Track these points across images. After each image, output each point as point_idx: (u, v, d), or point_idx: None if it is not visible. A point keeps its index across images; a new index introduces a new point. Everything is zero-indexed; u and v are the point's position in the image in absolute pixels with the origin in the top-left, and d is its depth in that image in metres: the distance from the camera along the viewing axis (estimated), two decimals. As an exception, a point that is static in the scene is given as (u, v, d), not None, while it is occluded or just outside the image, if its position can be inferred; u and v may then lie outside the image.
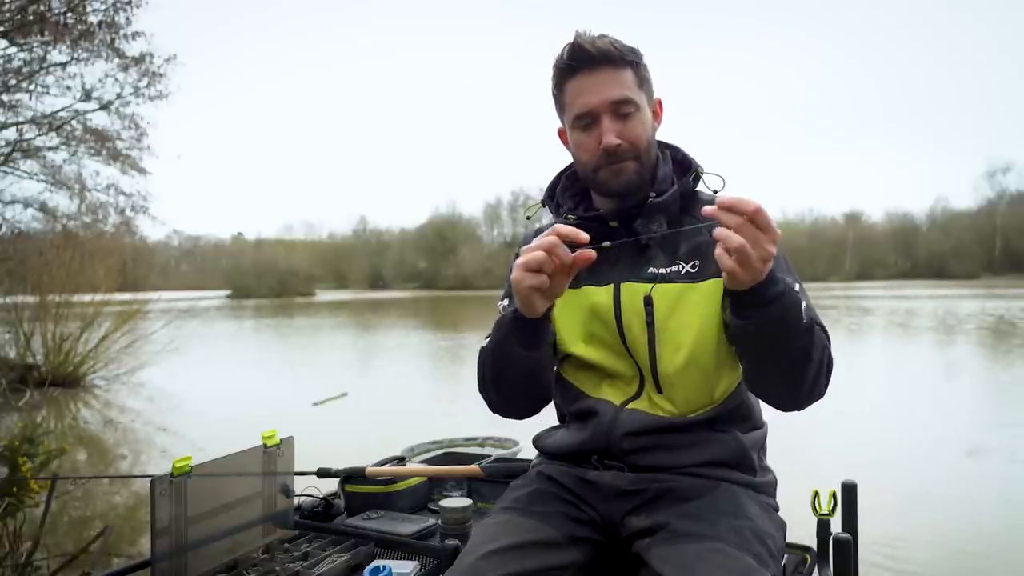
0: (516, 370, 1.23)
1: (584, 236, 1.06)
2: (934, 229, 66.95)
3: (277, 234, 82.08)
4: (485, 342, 1.33)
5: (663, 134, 1.34)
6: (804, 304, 1.08)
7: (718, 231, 0.99)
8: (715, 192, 1.31)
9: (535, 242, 1.08)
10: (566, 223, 1.31)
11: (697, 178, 1.31)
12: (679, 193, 1.28)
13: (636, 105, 1.24)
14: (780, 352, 1.09)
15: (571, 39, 1.24)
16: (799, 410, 1.19)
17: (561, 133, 1.36)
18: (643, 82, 1.27)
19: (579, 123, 1.25)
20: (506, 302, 1.38)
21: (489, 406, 1.35)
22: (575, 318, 1.31)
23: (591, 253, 1.06)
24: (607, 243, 1.16)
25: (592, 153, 1.25)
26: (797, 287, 1.21)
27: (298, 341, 19.21)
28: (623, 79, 1.23)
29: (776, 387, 1.16)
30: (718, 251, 0.99)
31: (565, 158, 1.43)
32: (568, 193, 1.39)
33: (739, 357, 1.18)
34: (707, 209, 1.01)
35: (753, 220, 0.97)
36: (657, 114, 1.31)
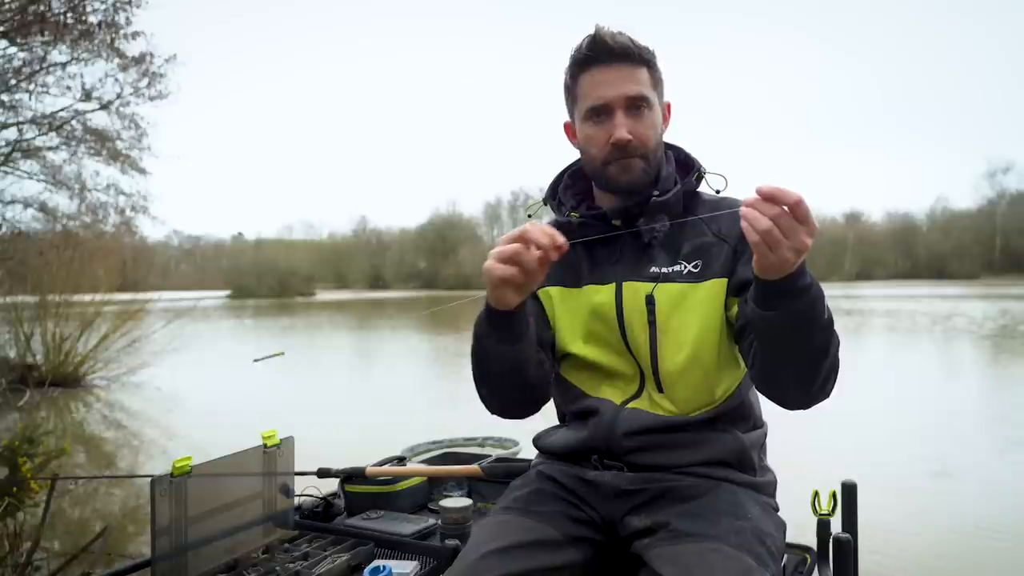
0: (498, 365, 1.21)
1: (561, 239, 1.06)
2: (934, 229, 66.98)
3: (277, 234, 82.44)
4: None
5: (667, 133, 1.34)
6: (826, 302, 1.06)
7: (744, 211, 0.97)
8: (717, 192, 1.32)
9: (509, 234, 1.08)
10: (569, 221, 1.31)
11: (700, 178, 1.31)
12: (682, 192, 1.29)
13: (649, 103, 1.24)
14: (801, 346, 1.06)
15: (591, 31, 1.24)
16: (806, 408, 1.16)
17: (567, 127, 1.35)
18: (657, 83, 1.27)
19: (592, 115, 1.25)
20: None
21: (484, 405, 1.34)
22: (576, 317, 1.31)
23: (564, 244, 1.06)
24: (645, 229, 1.22)
25: (602, 147, 1.25)
26: None
27: (298, 341, 19.19)
28: (639, 76, 1.24)
29: (789, 383, 1.13)
30: (744, 225, 0.97)
31: (565, 158, 1.42)
32: (571, 192, 1.39)
33: (756, 350, 1.15)
34: (747, 199, 0.98)
35: (792, 211, 0.95)
36: (666, 117, 1.31)
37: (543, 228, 1.06)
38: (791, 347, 1.07)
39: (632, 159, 1.24)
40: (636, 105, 1.23)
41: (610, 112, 1.23)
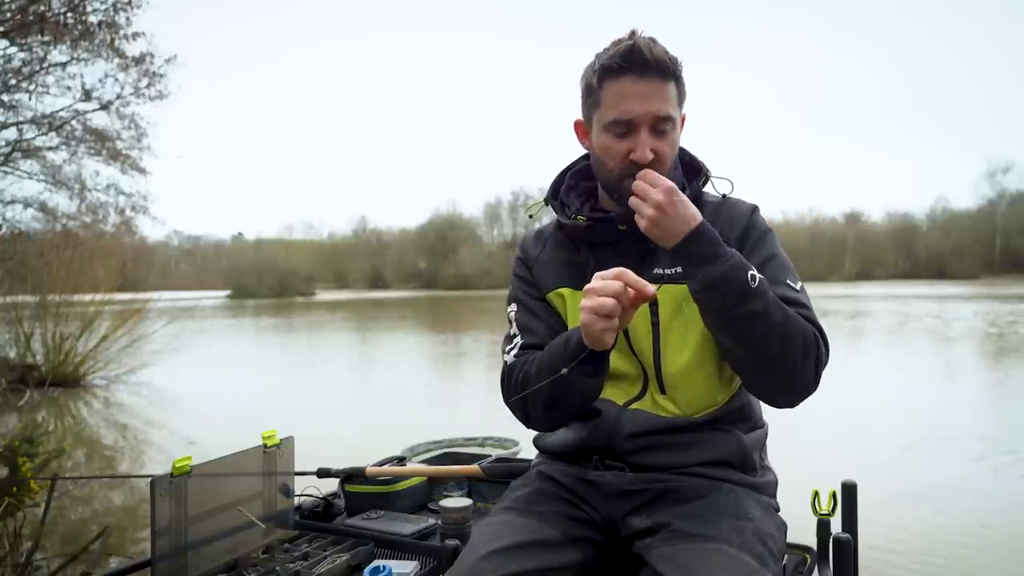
0: (578, 396, 1.20)
1: (651, 290, 1.04)
2: (934, 229, 66.87)
3: (277, 234, 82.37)
4: (510, 356, 1.31)
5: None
6: (751, 272, 1.11)
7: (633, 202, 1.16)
8: (724, 196, 1.31)
9: (601, 286, 1.05)
10: (575, 224, 1.31)
11: (706, 181, 1.31)
12: (690, 197, 1.28)
13: (673, 123, 1.23)
14: (740, 320, 1.11)
15: (627, 38, 1.20)
16: (791, 405, 1.19)
17: (579, 125, 1.33)
18: (682, 98, 1.25)
19: (615, 128, 1.22)
20: (514, 307, 1.37)
21: (526, 423, 1.31)
22: (579, 319, 1.31)
23: (652, 290, 1.04)
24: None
25: (620, 160, 1.23)
26: (799, 286, 1.22)
27: (298, 341, 19.20)
28: (668, 93, 1.21)
29: (755, 366, 1.16)
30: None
31: (565, 157, 1.42)
32: (574, 192, 1.38)
33: (714, 339, 1.20)
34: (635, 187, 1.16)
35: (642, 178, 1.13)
36: (680, 127, 1.30)
37: (633, 281, 1.04)
38: (731, 321, 1.12)
39: None
40: (661, 126, 1.21)
41: (635, 128, 1.20)
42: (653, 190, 1.13)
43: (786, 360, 1.12)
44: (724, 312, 1.12)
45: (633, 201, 1.16)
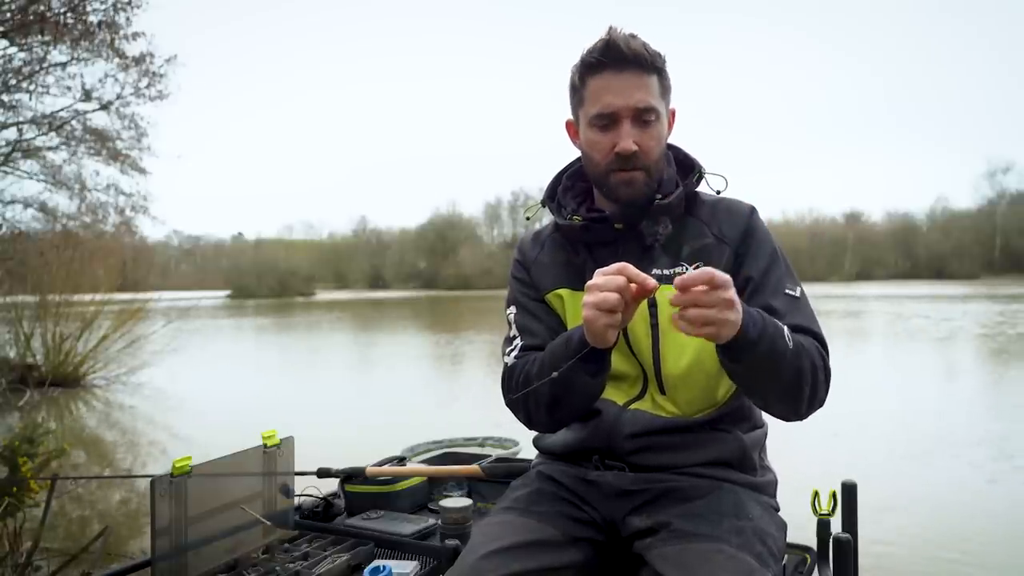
0: (579, 396, 1.20)
1: (653, 284, 1.03)
2: (934, 229, 66.78)
3: (277, 234, 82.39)
4: (510, 358, 1.31)
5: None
6: (786, 331, 1.09)
7: (676, 322, 1.00)
8: (718, 192, 1.32)
9: (603, 281, 1.04)
10: (571, 224, 1.31)
11: (700, 178, 1.31)
12: (683, 194, 1.28)
13: (657, 114, 1.23)
14: (773, 380, 1.11)
15: (604, 34, 1.22)
16: (801, 420, 1.20)
17: (569, 126, 1.34)
18: (666, 91, 1.26)
19: (598, 121, 1.23)
20: (513, 310, 1.37)
21: (528, 424, 1.31)
22: (579, 319, 1.31)
23: (655, 286, 1.03)
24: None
25: (605, 154, 1.24)
26: (798, 291, 1.22)
27: (298, 341, 19.20)
28: (649, 85, 1.22)
29: (775, 407, 1.18)
30: (682, 326, 1.00)
31: (565, 158, 1.42)
32: (571, 193, 1.38)
33: (736, 386, 1.20)
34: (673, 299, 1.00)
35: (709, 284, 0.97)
36: (670, 123, 1.30)
37: (633, 274, 1.04)
38: (765, 382, 1.12)
39: (635, 172, 1.23)
40: (644, 116, 1.22)
41: (617, 121, 1.22)
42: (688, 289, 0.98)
43: (804, 395, 1.14)
44: (764, 380, 1.11)
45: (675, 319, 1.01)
